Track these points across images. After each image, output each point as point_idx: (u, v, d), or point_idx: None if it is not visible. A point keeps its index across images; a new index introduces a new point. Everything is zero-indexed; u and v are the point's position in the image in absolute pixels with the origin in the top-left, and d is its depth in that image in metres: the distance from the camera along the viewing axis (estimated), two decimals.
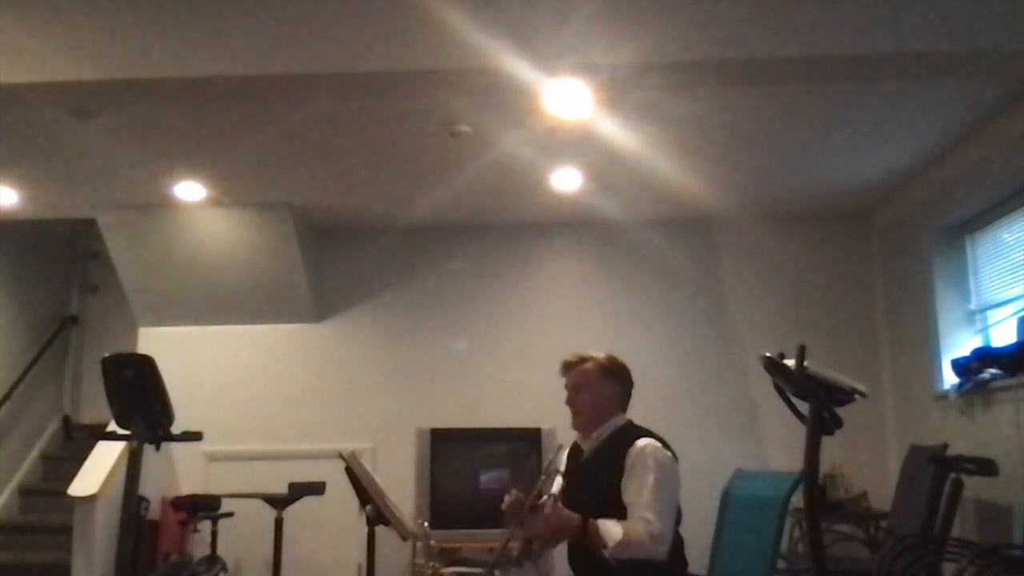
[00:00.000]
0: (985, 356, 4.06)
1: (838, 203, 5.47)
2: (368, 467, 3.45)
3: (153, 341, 5.61)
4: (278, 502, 4.53)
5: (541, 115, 3.80)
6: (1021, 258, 4.26)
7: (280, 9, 3.01)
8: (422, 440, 4.86)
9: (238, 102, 3.70)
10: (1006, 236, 4.39)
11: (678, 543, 2.72)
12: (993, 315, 4.56)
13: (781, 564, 3.80)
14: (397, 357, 5.78)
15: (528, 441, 4.84)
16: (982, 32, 2.90)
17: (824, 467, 4.69)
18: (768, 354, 2.45)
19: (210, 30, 3.02)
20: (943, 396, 4.64)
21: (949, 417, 4.57)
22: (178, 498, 5.15)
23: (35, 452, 6.29)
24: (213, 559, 4.95)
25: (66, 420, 6.05)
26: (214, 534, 4.99)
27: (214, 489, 5.18)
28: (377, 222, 5.78)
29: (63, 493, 4.77)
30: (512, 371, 5.62)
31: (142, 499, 4.97)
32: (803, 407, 2.42)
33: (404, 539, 3.49)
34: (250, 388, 5.75)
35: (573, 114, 3.81)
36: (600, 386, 2.76)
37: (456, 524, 4.54)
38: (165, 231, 5.46)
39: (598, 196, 5.18)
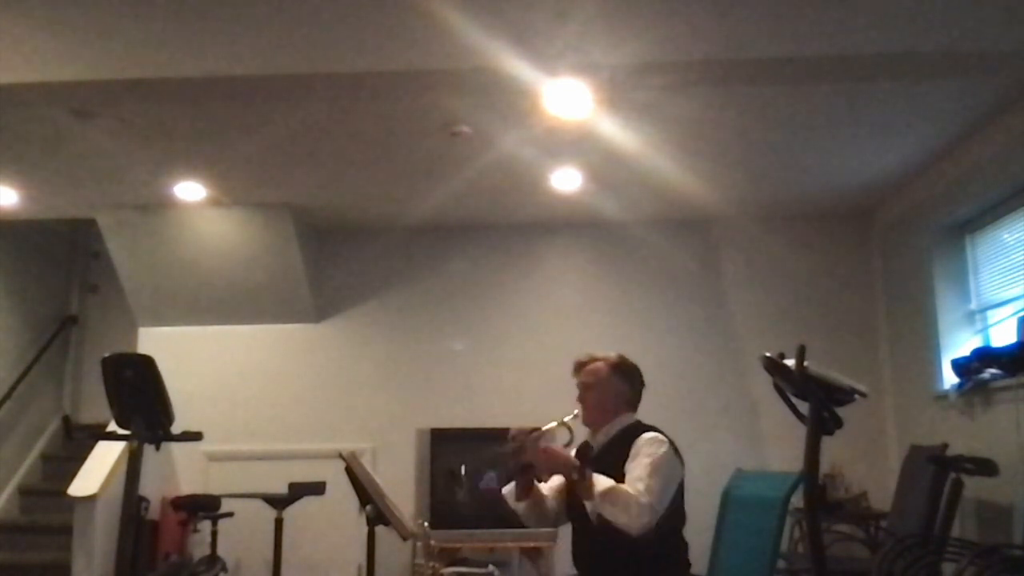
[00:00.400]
0: (985, 356, 4.06)
1: (838, 203, 5.47)
2: (368, 467, 3.45)
3: (153, 341, 5.61)
4: (278, 502, 4.53)
5: (541, 115, 3.80)
6: (1021, 258, 4.26)
7: (280, 9, 3.01)
8: (422, 440, 4.86)
9: (238, 102, 3.70)
10: (1006, 236, 4.39)
11: (683, 546, 2.73)
12: (993, 315, 4.56)
13: (781, 564, 3.80)
14: (397, 357, 5.78)
15: None
16: (982, 32, 2.90)
17: (824, 467, 4.68)
18: (768, 354, 2.45)
19: (210, 30, 3.02)
20: (943, 396, 4.64)
21: (949, 417, 4.57)
22: (178, 498, 5.16)
23: (35, 452, 6.29)
24: (213, 559, 4.95)
25: (66, 420, 6.03)
26: (214, 534, 4.99)
27: (214, 489, 5.18)
28: (377, 222, 5.78)
29: (63, 493, 4.77)
30: (512, 371, 5.62)
31: (142, 499, 4.97)
32: (803, 407, 2.42)
33: (404, 539, 3.49)
34: (250, 388, 5.75)
35: (573, 114, 3.81)
36: (609, 385, 2.83)
37: (456, 524, 4.54)
38: (165, 231, 5.46)
39: (598, 196, 5.18)
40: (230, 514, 5.04)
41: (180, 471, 5.58)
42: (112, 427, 3.31)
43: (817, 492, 2.43)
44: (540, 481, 2.82)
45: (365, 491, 3.29)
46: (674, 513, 2.70)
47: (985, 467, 3.67)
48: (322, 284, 5.89)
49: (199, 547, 5.26)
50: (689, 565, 2.74)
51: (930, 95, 3.85)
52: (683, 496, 2.75)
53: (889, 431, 5.40)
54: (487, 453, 2.83)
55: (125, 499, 3.13)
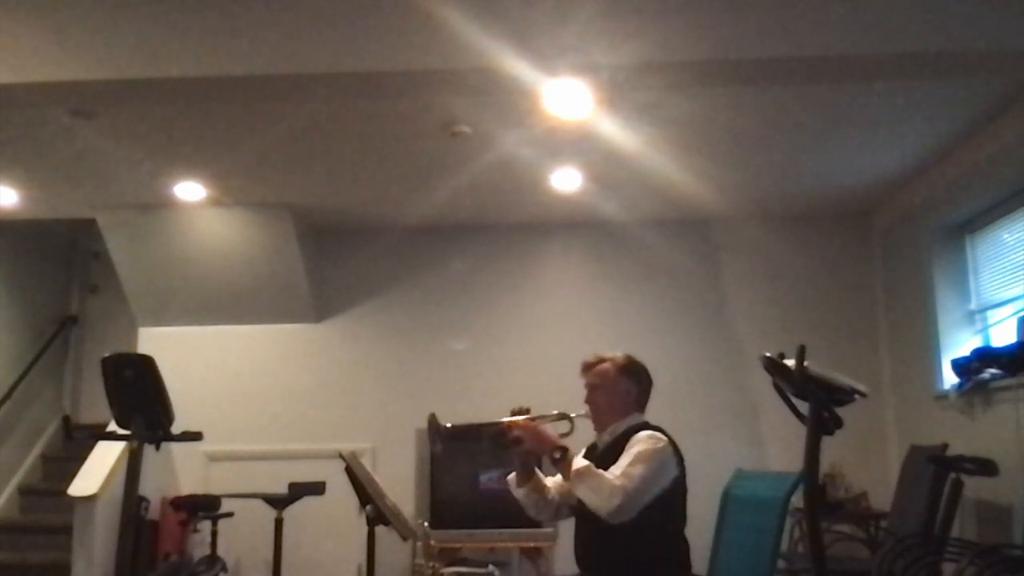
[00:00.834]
0: (985, 356, 4.06)
1: (838, 203, 5.47)
2: (368, 467, 3.45)
3: (153, 341, 5.61)
4: (278, 502, 4.53)
5: (541, 115, 3.80)
6: (1021, 258, 4.25)
7: (280, 9, 3.01)
8: (422, 440, 4.85)
9: (238, 102, 3.70)
10: (1006, 236, 4.39)
11: (684, 547, 2.74)
12: (993, 315, 4.56)
13: (781, 564, 3.80)
14: (397, 357, 5.78)
15: None
16: (982, 32, 2.90)
17: (824, 467, 4.69)
18: (768, 354, 2.45)
19: (210, 30, 3.02)
20: (943, 396, 4.64)
21: (949, 417, 4.56)
22: (178, 498, 5.15)
23: (35, 452, 6.29)
24: (213, 559, 4.95)
25: (66, 420, 6.02)
26: (214, 534, 4.98)
27: (214, 489, 5.18)
28: (377, 222, 5.78)
29: (63, 493, 4.77)
30: (512, 371, 5.61)
31: (142, 499, 4.97)
32: (803, 407, 2.42)
33: (404, 539, 3.50)
34: (250, 388, 5.75)
35: (573, 114, 3.81)
36: (616, 385, 2.85)
37: (456, 524, 4.54)
38: (165, 231, 5.46)
39: (598, 196, 5.18)
40: (230, 514, 5.04)
41: (180, 471, 5.58)
42: (112, 427, 3.31)
43: (817, 492, 2.42)
44: (530, 460, 2.85)
45: (365, 491, 3.29)
46: (675, 513, 2.71)
47: (985, 467, 3.67)
48: (322, 284, 5.89)
49: (199, 547, 5.26)
50: (690, 566, 2.74)
51: (930, 95, 3.85)
52: (684, 496, 2.75)
53: (889, 431, 5.40)
54: (488, 434, 2.86)
55: (125, 499, 3.13)
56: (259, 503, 4.56)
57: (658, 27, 2.94)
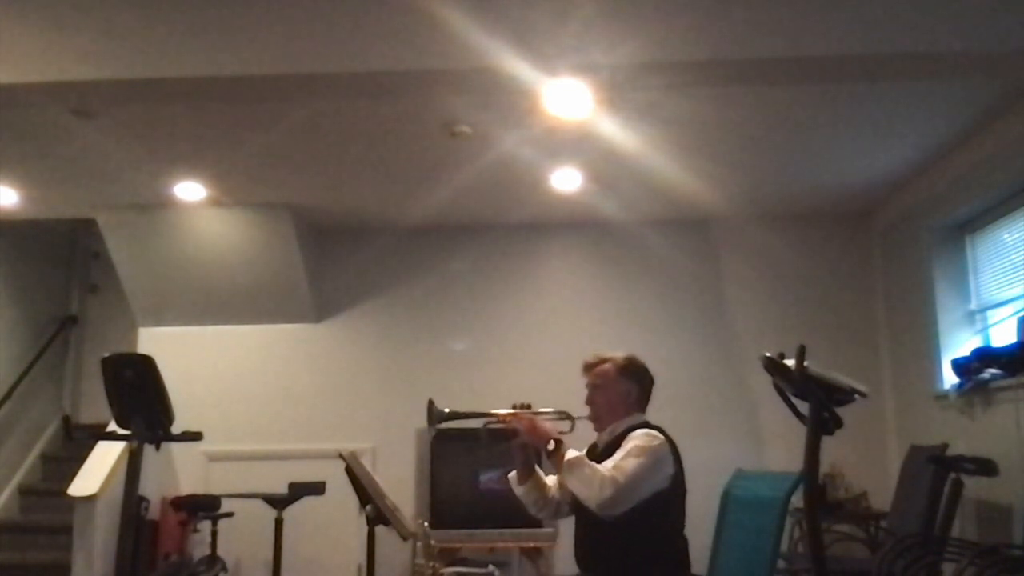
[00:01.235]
0: (985, 356, 4.06)
1: (838, 203, 5.47)
2: (368, 467, 3.45)
3: (153, 341, 5.61)
4: (278, 502, 4.54)
5: (541, 115, 3.80)
6: (1021, 258, 4.25)
7: (280, 9, 3.01)
8: (422, 440, 4.86)
9: (238, 102, 3.70)
10: (1006, 236, 4.39)
11: (683, 547, 2.74)
12: (993, 315, 4.56)
13: (781, 564, 3.80)
14: (397, 357, 5.78)
15: None
16: (982, 32, 2.90)
17: (824, 467, 4.70)
18: (768, 354, 2.45)
19: (210, 30, 3.02)
20: (943, 396, 4.64)
21: (949, 417, 4.57)
22: (178, 498, 5.15)
23: (35, 452, 6.29)
24: (213, 559, 4.95)
25: (66, 420, 6.04)
26: (214, 534, 4.99)
27: (214, 489, 5.18)
28: (377, 222, 5.78)
29: (63, 493, 4.77)
30: (512, 371, 5.61)
31: (142, 499, 4.97)
32: (803, 407, 2.42)
33: (404, 539, 3.50)
34: (250, 388, 5.75)
35: (573, 114, 3.81)
36: (616, 385, 2.85)
37: (456, 524, 4.54)
38: (165, 231, 5.46)
39: (598, 196, 5.18)
40: (230, 514, 5.04)
41: (180, 471, 5.58)
42: (112, 427, 3.31)
43: (817, 492, 2.43)
44: (527, 453, 2.86)
45: (365, 491, 3.30)
46: (674, 512, 2.71)
47: (985, 467, 3.67)
48: (322, 284, 5.89)
49: (199, 547, 5.26)
50: (689, 565, 2.74)
51: (930, 95, 3.85)
52: (683, 496, 2.76)
53: (889, 431, 5.40)
54: (485, 427, 2.89)
55: (125, 499, 3.13)
56: (259, 503, 4.57)
57: (658, 27, 2.94)
